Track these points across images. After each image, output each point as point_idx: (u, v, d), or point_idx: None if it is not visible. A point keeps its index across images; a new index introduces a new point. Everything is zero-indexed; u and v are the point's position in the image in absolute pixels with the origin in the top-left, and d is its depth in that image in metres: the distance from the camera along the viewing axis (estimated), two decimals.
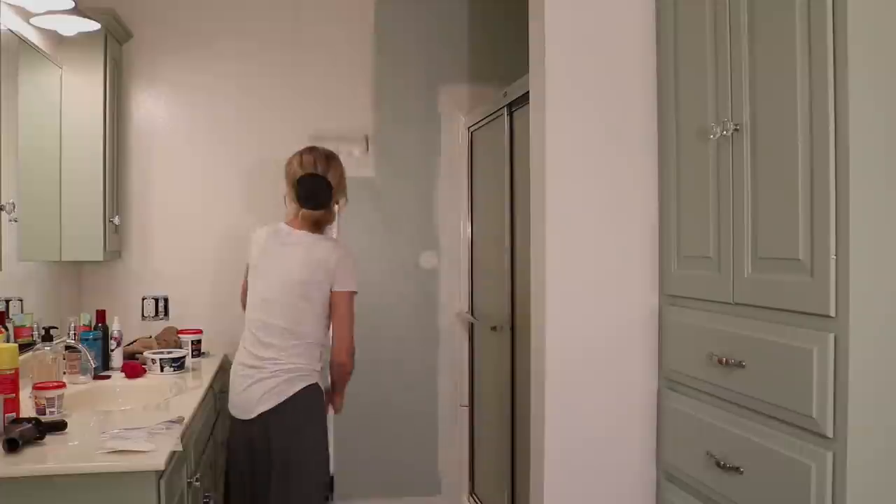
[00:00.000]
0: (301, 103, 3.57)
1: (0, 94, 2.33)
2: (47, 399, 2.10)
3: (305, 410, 2.41)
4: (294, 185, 2.49)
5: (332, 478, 2.51)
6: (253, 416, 2.39)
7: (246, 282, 2.60)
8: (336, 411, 2.66)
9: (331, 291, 2.45)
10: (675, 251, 2.03)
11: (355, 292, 2.48)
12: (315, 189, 2.46)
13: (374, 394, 3.67)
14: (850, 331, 1.39)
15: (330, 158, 2.54)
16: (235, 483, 2.50)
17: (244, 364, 2.44)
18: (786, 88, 1.53)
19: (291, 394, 2.38)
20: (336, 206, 2.56)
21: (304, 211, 2.47)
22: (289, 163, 2.55)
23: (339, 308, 2.45)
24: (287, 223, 2.52)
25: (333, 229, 2.64)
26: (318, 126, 3.51)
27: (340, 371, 2.53)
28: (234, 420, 2.48)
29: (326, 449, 2.51)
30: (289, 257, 2.45)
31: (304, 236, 2.47)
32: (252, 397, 2.39)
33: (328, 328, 2.50)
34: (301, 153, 2.54)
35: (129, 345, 3.11)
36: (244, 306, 2.59)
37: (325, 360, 2.52)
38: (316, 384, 2.45)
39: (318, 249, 2.45)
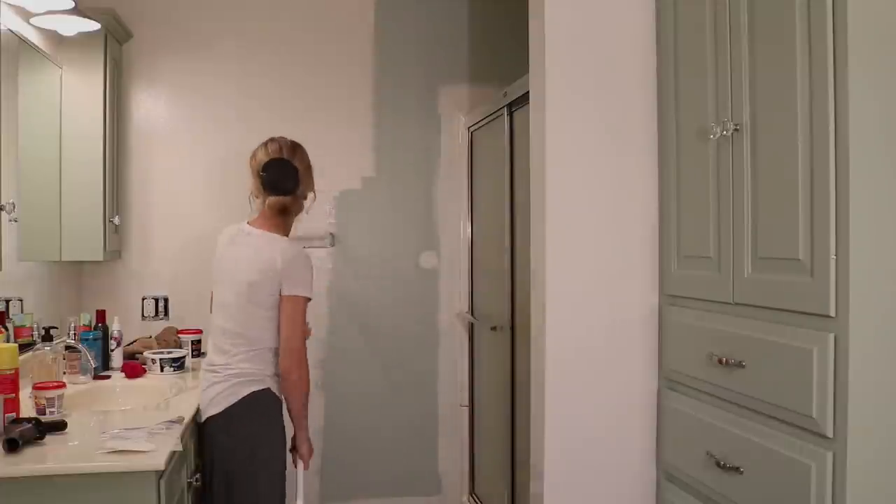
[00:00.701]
0: (301, 103, 3.57)
1: (0, 94, 2.33)
2: (47, 399, 2.10)
3: (253, 415, 2.27)
4: (259, 172, 2.38)
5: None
6: (205, 418, 2.30)
7: None
8: (303, 459, 2.41)
9: (280, 295, 2.28)
10: (675, 251, 2.03)
11: (308, 298, 2.30)
12: (281, 173, 2.34)
13: (374, 394, 3.67)
14: (850, 331, 1.39)
15: (295, 147, 2.44)
16: (204, 482, 2.38)
17: (205, 369, 2.38)
18: (786, 88, 1.53)
19: (239, 398, 2.25)
20: (304, 201, 2.44)
21: (270, 199, 2.35)
22: (252, 155, 2.44)
23: (284, 312, 2.27)
24: (250, 222, 2.41)
25: (296, 229, 2.50)
26: None
27: (287, 385, 2.29)
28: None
29: (279, 456, 2.33)
30: (239, 258, 2.33)
31: (260, 236, 2.35)
32: (205, 400, 2.31)
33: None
34: (265, 143, 2.44)
35: (128, 345, 3.11)
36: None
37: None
38: (268, 389, 2.29)
39: (269, 249, 2.30)
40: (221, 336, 2.33)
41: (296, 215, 2.44)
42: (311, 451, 2.43)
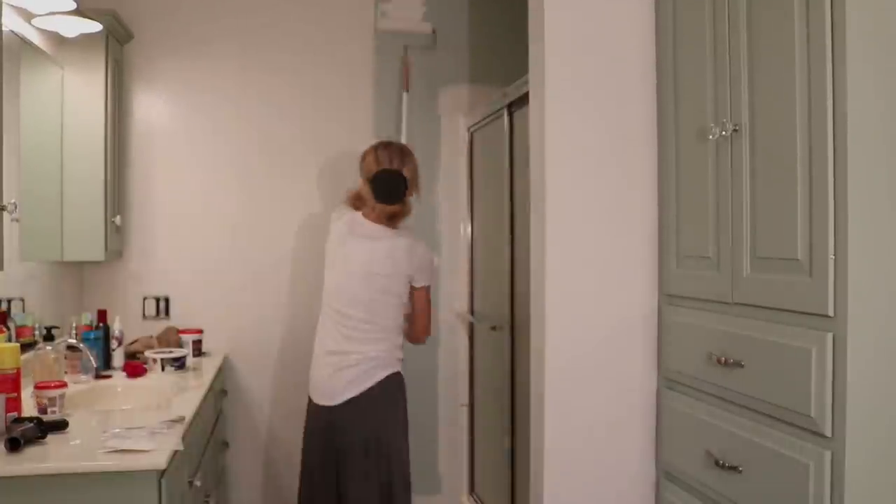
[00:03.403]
0: (301, 102, 3.58)
1: (2, 95, 2.33)
2: (49, 398, 2.11)
3: (388, 398, 2.54)
4: (370, 180, 2.58)
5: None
6: (338, 402, 2.50)
7: None
8: None
9: (411, 286, 2.62)
10: (674, 251, 2.04)
11: (431, 286, 2.69)
12: (391, 185, 2.57)
13: None
14: (848, 330, 1.40)
15: (405, 154, 2.64)
16: (310, 466, 2.59)
17: (328, 351, 2.56)
18: (784, 89, 1.54)
19: (375, 381, 2.50)
20: (410, 200, 2.65)
21: (379, 205, 2.57)
22: (363, 158, 2.64)
23: (418, 302, 2.65)
24: (363, 215, 2.62)
25: (410, 220, 2.74)
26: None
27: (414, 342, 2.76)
28: (314, 405, 2.58)
29: (406, 436, 2.63)
30: (369, 251, 2.56)
31: (383, 230, 2.58)
32: (337, 385, 2.51)
33: (403, 316, 2.64)
34: (376, 148, 2.64)
35: (130, 344, 3.12)
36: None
37: (403, 348, 2.66)
38: (398, 372, 2.57)
39: (399, 245, 2.58)
40: (347, 322, 2.54)
41: (403, 217, 2.65)
42: None
